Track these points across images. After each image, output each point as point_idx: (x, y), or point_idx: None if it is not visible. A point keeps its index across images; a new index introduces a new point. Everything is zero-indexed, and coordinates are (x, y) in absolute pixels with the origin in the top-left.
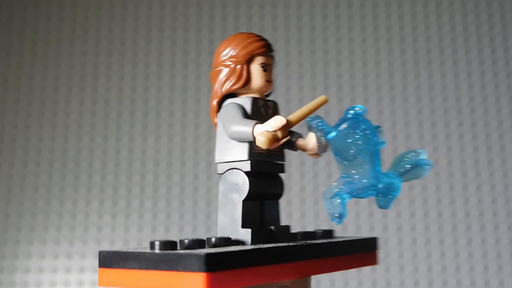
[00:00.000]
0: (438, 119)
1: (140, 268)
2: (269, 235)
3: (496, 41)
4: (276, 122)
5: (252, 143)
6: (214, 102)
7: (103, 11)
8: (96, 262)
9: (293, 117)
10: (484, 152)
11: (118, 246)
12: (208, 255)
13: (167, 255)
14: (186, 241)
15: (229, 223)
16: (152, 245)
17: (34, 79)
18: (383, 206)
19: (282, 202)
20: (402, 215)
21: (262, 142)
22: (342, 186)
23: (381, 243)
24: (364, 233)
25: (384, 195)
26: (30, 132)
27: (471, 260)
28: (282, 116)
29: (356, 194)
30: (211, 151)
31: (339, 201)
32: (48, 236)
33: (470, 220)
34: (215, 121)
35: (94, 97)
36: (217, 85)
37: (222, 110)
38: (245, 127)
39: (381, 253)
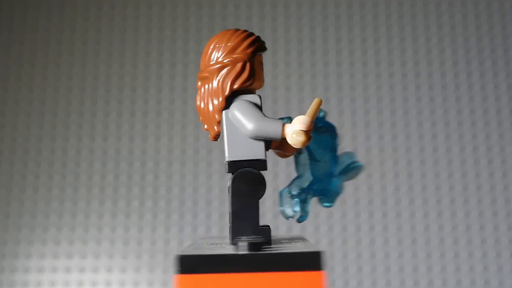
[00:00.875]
0: (438, 119)
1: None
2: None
3: (496, 41)
4: (307, 122)
5: (268, 142)
6: (220, 99)
7: (103, 11)
8: (96, 262)
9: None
10: (484, 152)
11: (118, 246)
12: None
13: (276, 256)
14: (242, 242)
15: (247, 223)
16: (235, 245)
17: (34, 79)
18: (329, 205)
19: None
20: (402, 215)
21: (300, 141)
22: (305, 186)
23: (380, 243)
24: (364, 233)
25: (329, 195)
26: (30, 132)
27: (471, 260)
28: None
29: (319, 193)
30: (211, 151)
31: (300, 200)
32: (48, 236)
33: (470, 220)
34: (220, 118)
35: (94, 97)
36: (220, 82)
37: (235, 107)
38: (274, 126)
39: (380, 253)
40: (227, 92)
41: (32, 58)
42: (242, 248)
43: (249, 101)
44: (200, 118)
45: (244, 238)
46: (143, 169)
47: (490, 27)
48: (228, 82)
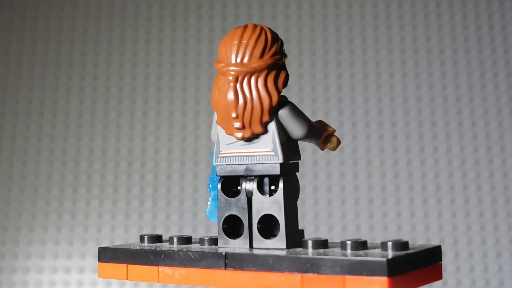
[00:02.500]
0: (438, 119)
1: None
2: None
3: (496, 41)
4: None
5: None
6: (274, 98)
7: (103, 11)
8: (95, 262)
9: None
10: (484, 152)
11: None
12: (390, 260)
13: (352, 261)
14: (311, 242)
15: (295, 225)
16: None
17: (34, 79)
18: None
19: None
20: (402, 215)
21: (337, 146)
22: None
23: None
24: (364, 234)
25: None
26: (29, 132)
27: (471, 260)
28: None
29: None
30: (211, 150)
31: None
32: (47, 236)
33: (470, 220)
34: (268, 117)
35: (94, 97)
36: (274, 80)
37: (291, 107)
38: (320, 129)
39: None
40: (281, 92)
41: (32, 58)
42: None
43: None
44: (234, 116)
45: (306, 239)
46: (142, 169)
47: (490, 27)
48: (281, 80)
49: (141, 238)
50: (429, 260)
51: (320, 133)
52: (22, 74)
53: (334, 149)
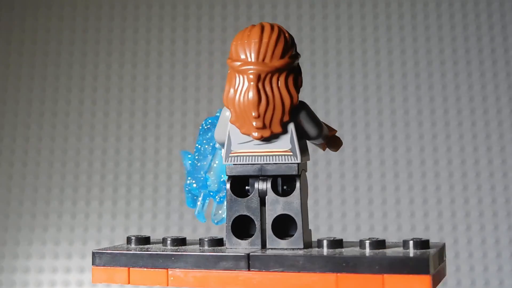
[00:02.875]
0: (438, 119)
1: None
2: None
3: (496, 41)
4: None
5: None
6: (295, 98)
7: (103, 11)
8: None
9: None
10: (484, 152)
11: None
12: (431, 257)
13: (391, 259)
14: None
15: (307, 224)
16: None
17: (34, 79)
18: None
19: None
20: (402, 215)
21: (340, 146)
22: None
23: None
24: (363, 234)
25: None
26: (29, 132)
27: (471, 260)
28: None
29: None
30: None
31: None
32: (48, 236)
33: (470, 220)
34: (288, 117)
35: (94, 97)
36: (295, 79)
37: (308, 109)
38: (327, 130)
39: None
40: (299, 92)
41: (31, 58)
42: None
43: None
44: (255, 115)
45: (321, 238)
46: (142, 169)
47: (490, 27)
48: (300, 81)
49: (129, 240)
50: (441, 258)
51: (327, 134)
52: (22, 74)
53: (337, 150)
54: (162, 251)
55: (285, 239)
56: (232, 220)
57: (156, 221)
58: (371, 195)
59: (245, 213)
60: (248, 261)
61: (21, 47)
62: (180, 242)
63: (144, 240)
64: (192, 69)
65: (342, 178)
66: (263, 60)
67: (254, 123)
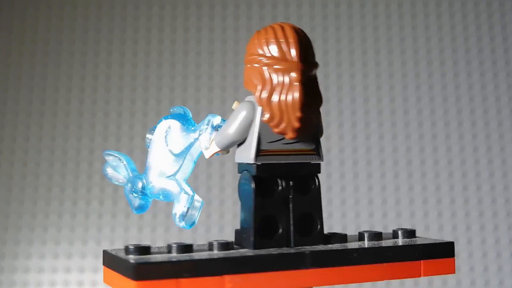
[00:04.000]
0: (438, 119)
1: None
2: None
3: (496, 41)
4: None
5: None
6: (321, 100)
7: (103, 11)
8: (95, 262)
9: None
10: (484, 152)
11: (118, 246)
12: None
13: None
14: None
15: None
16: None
17: (34, 79)
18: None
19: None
20: (402, 215)
21: None
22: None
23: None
24: None
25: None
26: (30, 132)
27: (471, 260)
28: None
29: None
30: None
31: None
32: (48, 236)
33: (470, 220)
34: (316, 118)
35: (94, 97)
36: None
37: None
38: None
39: None
40: None
41: (32, 58)
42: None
43: None
44: (299, 115)
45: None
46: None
47: (490, 27)
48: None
49: (169, 248)
50: None
51: None
52: (22, 74)
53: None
54: (213, 257)
55: (307, 236)
56: (258, 220)
57: (157, 221)
58: (371, 195)
59: (271, 212)
60: (309, 259)
61: (21, 47)
62: (226, 246)
63: (186, 248)
64: (192, 69)
65: (342, 178)
66: (305, 60)
67: (295, 123)
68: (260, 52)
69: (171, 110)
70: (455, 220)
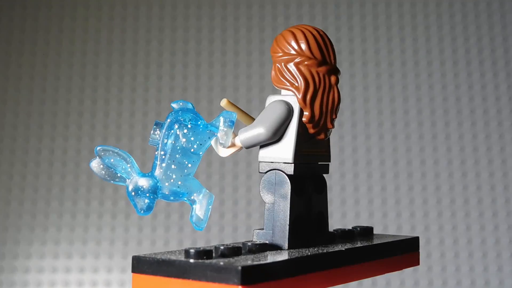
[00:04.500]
0: (438, 119)
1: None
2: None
3: (496, 41)
4: None
5: None
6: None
7: (103, 11)
8: (95, 262)
9: None
10: (484, 152)
11: (118, 246)
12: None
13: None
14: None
15: None
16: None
17: (34, 79)
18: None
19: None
20: (402, 215)
21: None
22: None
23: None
24: None
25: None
26: (30, 132)
27: (471, 260)
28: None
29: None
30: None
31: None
32: (48, 236)
33: (470, 220)
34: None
35: (94, 97)
36: None
37: None
38: None
39: None
40: None
41: (32, 58)
42: None
43: None
44: (335, 116)
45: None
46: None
47: (490, 27)
48: None
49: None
50: None
51: None
52: (22, 74)
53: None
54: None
55: (321, 236)
56: (293, 220)
57: (157, 221)
58: (371, 195)
59: (302, 212)
60: (348, 257)
61: (21, 48)
62: (260, 248)
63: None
64: (192, 69)
65: (342, 178)
66: (336, 63)
67: (329, 124)
68: (300, 52)
69: (175, 105)
70: (455, 220)
